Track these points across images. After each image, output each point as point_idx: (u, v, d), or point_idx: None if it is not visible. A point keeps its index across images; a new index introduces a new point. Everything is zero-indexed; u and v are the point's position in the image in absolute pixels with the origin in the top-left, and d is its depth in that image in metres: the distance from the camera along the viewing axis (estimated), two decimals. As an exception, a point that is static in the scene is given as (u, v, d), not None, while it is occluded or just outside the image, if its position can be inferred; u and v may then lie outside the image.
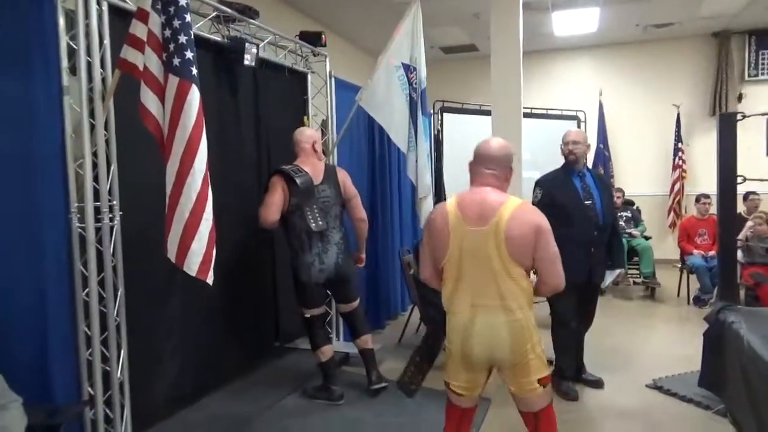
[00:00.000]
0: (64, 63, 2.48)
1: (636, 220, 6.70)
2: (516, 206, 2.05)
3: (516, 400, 2.20)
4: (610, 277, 3.57)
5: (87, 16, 2.46)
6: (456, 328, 2.14)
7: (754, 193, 6.09)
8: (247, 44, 3.41)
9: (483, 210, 2.05)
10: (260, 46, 3.64)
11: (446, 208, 2.15)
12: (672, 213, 8.06)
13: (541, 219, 2.09)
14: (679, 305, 5.96)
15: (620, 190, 6.90)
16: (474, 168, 2.19)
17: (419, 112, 4.11)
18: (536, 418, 2.17)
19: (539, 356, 2.12)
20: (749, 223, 5.48)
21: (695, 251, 5.98)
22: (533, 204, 3.43)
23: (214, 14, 3.40)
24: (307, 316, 3.47)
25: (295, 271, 3.40)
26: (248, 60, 3.42)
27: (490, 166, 2.14)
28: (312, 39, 4.22)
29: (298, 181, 3.23)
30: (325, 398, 3.45)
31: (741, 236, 5.21)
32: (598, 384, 3.65)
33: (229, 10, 3.44)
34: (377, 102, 4.02)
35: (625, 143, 8.42)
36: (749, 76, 7.91)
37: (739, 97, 7.89)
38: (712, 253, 5.85)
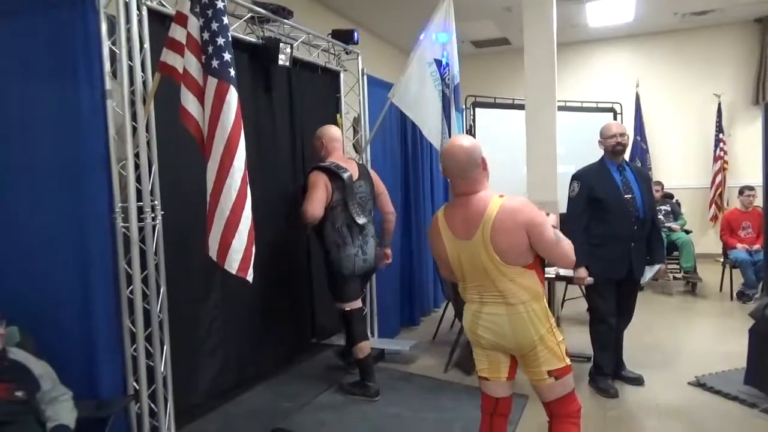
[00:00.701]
0: (107, 67, 2.55)
1: (675, 213, 6.53)
2: (497, 212, 2.03)
3: (535, 391, 2.25)
4: (649, 272, 3.49)
5: (128, 21, 2.53)
6: (467, 316, 2.25)
7: (749, 187, 5.90)
8: (281, 44, 3.45)
9: (466, 223, 2.09)
10: (294, 45, 3.68)
11: (437, 221, 2.22)
12: (713, 206, 7.84)
13: (528, 215, 2.04)
14: (722, 300, 5.80)
15: (659, 183, 6.73)
16: (448, 177, 2.19)
17: (452, 108, 4.09)
18: (548, 409, 2.21)
19: (551, 348, 2.13)
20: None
21: (739, 245, 5.79)
22: (571, 198, 3.40)
23: (249, 15, 3.44)
24: (347, 309, 3.51)
25: (335, 264, 3.45)
26: (283, 60, 3.46)
27: (459, 174, 2.10)
28: (344, 37, 4.24)
29: (344, 176, 3.37)
30: (362, 394, 3.48)
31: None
32: (638, 381, 3.59)
33: (263, 11, 3.49)
34: (410, 98, 4.02)
35: (664, 135, 8.22)
36: (794, 62, 7.62)
37: (784, 85, 7.61)
38: (756, 246, 5.67)
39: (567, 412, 2.18)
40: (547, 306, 2.17)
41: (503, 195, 2.10)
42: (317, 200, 3.30)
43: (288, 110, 3.89)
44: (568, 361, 2.17)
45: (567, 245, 2.14)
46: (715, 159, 7.80)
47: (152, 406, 2.70)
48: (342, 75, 4.42)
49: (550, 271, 3.77)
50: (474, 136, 6.80)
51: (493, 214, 2.02)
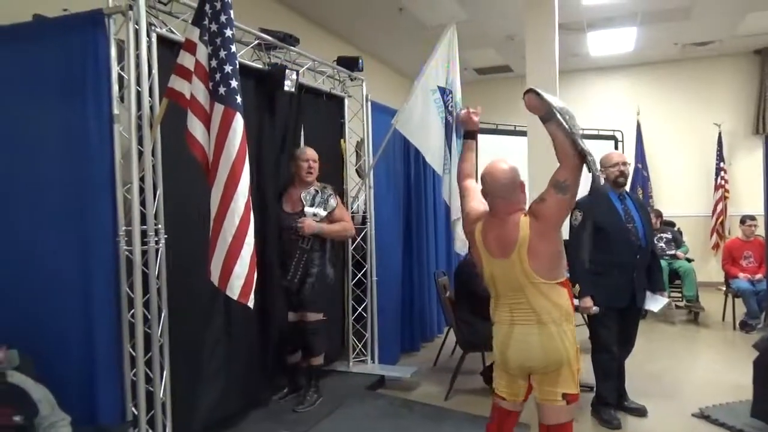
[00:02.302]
0: (115, 91, 2.59)
1: (678, 241, 6.53)
2: (527, 229, 2.11)
3: (539, 411, 2.23)
4: (660, 303, 3.47)
5: (137, 47, 2.57)
6: (497, 337, 2.27)
7: (751, 217, 5.91)
8: (287, 70, 3.49)
9: (503, 243, 2.16)
10: (300, 71, 3.73)
11: (474, 237, 2.28)
12: (715, 234, 7.84)
13: (542, 212, 2.10)
14: (725, 330, 5.76)
15: (658, 211, 6.75)
16: (485, 197, 2.26)
17: (455, 135, 4.12)
18: None
19: (572, 373, 2.16)
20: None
21: (741, 274, 5.78)
22: (573, 227, 3.40)
23: (256, 42, 3.50)
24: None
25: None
26: (288, 86, 3.50)
27: (500, 195, 2.18)
28: (349, 64, 4.30)
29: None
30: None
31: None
32: (641, 412, 3.55)
33: (270, 38, 3.54)
34: (413, 125, 4.05)
35: (665, 163, 8.27)
36: (794, 93, 7.70)
37: (784, 115, 7.69)
38: (759, 276, 5.65)
39: None
40: (575, 329, 2.19)
41: (525, 212, 2.18)
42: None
43: (293, 136, 3.92)
44: (578, 389, 2.20)
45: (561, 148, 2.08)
46: (716, 188, 7.84)
47: (150, 432, 2.67)
48: (346, 101, 4.47)
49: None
50: (476, 162, 6.83)
51: (527, 234, 2.10)
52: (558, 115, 2.02)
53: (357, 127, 4.54)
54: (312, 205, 3.59)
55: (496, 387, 2.34)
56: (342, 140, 4.39)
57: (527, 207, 2.20)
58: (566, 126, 2.01)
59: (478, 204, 2.36)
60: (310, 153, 3.66)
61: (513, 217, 2.16)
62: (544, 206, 2.10)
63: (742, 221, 6.05)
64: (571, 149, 2.03)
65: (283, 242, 3.57)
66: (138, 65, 2.58)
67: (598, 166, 2.09)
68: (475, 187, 2.48)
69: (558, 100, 2.09)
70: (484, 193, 2.25)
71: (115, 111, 2.58)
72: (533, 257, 2.10)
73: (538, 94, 2.05)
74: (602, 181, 3.28)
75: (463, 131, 2.76)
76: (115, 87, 2.59)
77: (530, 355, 2.14)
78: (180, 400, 2.85)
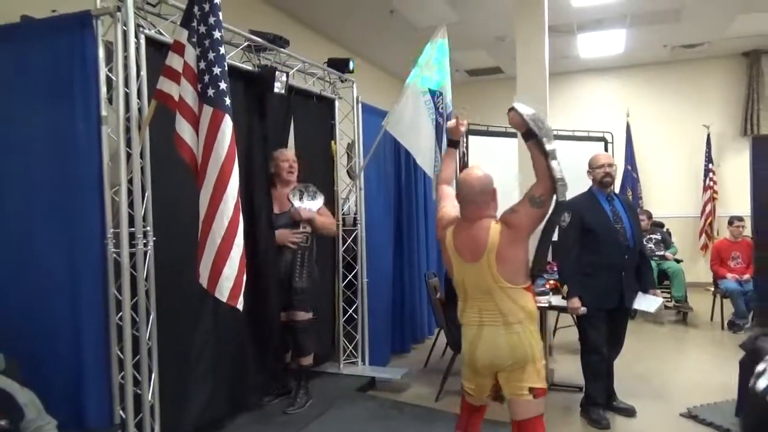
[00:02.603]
0: (103, 93, 2.58)
1: (666, 242, 6.57)
2: (498, 238, 2.21)
3: (509, 408, 2.34)
4: (655, 303, 3.49)
5: (125, 48, 2.55)
6: (466, 338, 2.38)
7: (739, 218, 5.97)
8: (277, 72, 3.48)
9: (474, 247, 2.27)
10: (290, 73, 3.72)
11: (446, 241, 2.38)
12: (704, 235, 7.91)
13: (513, 222, 2.21)
14: (713, 330, 5.81)
15: (647, 212, 6.79)
16: (459, 202, 2.37)
17: (445, 137, 4.13)
18: (517, 428, 2.30)
19: (537, 370, 2.28)
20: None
21: (729, 275, 5.83)
22: (562, 228, 3.42)
23: (245, 44, 3.49)
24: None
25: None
26: (278, 87, 3.49)
27: (471, 200, 2.30)
28: (340, 65, 4.30)
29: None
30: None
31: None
32: (629, 412, 3.57)
33: (260, 40, 3.54)
34: (403, 126, 4.06)
35: (654, 165, 8.32)
36: (781, 95, 7.79)
37: (772, 117, 7.76)
38: (746, 276, 5.70)
39: None
40: (537, 330, 2.33)
41: (496, 219, 2.29)
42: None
43: (283, 137, 3.91)
44: (545, 384, 2.32)
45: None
46: (705, 189, 7.90)
47: (139, 435, 2.66)
48: (337, 102, 4.46)
49: (542, 300, 3.77)
50: (467, 163, 6.85)
51: (496, 240, 2.21)
52: (537, 133, 2.11)
53: (347, 128, 4.53)
54: (301, 200, 3.64)
55: (463, 383, 2.48)
56: (332, 142, 4.38)
57: (498, 215, 2.30)
58: (545, 147, 2.10)
59: (450, 209, 2.46)
60: (289, 153, 3.75)
61: (483, 222, 2.27)
62: (516, 216, 2.21)
63: (730, 222, 6.10)
64: (546, 171, 2.13)
65: (275, 244, 3.58)
66: (126, 67, 2.56)
67: (565, 192, 2.15)
68: (450, 192, 2.57)
69: (527, 107, 2.19)
70: (459, 198, 2.36)
71: (103, 113, 2.58)
72: (501, 263, 2.21)
73: (519, 111, 2.15)
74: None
75: (446, 140, 2.82)
76: (104, 88, 2.58)
77: (498, 354, 2.26)
78: (168, 403, 2.84)
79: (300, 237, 3.62)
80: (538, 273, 2.32)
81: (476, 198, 2.28)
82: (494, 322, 2.27)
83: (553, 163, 2.07)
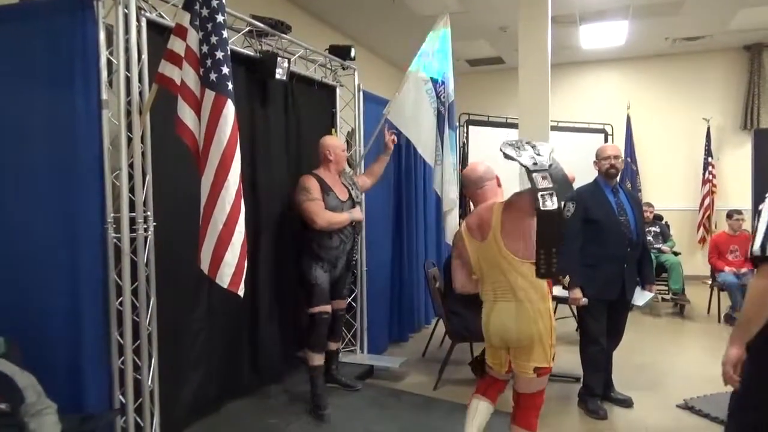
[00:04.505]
0: (104, 77, 2.55)
1: (665, 235, 6.59)
2: (500, 213, 2.38)
3: (514, 379, 2.50)
4: (645, 297, 3.50)
5: (126, 31, 2.53)
6: (484, 313, 2.53)
7: (738, 211, 5.98)
8: (278, 58, 3.46)
9: (481, 227, 2.46)
10: (291, 60, 3.69)
11: (461, 230, 2.60)
12: (702, 228, 7.92)
13: (515, 201, 2.36)
14: (710, 323, 5.83)
15: (650, 204, 6.80)
16: (469, 196, 2.64)
17: (446, 126, 4.12)
18: (518, 398, 2.48)
19: (544, 348, 2.37)
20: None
21: (727, 268, 5.84)
22: (566, 219, 3.42)
23: (247, 29, 3.46)
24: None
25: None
26: (280, 74, 3.47)
27: (479, 185, 2.56)
28: (341, 53, 4.27)
29: None
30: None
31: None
32: (627, 403, 3.59)
33: (262, 25, 3.51)
34: (405, 115, 4.04)
35: (653, 157, 8.32)
36: (782, 89, 7.77)
37: (772, 111, 7.75)
38: (744, 270, 5.71)
39: (532, 404, 2.47)
40: (551, 308, 2.42)
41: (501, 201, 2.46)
42: None
43: (284, 124, 3.89)
44: (552, 364, 2.42)
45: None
46: (704, 182, 7.90)
47: (138, 420, 2.66)
48: (338, 90, 4.44)
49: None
50: (467, 153, 6.84)
51: (500, 217, 2.37)
52: (513, 157, 2.23)
53: (348, 116, 4.51)
54: (351, 191, 3.66)
55: (487, 360, 2.62)
56: (333, 129, 4.36)
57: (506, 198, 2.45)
58: (521, 163, 2.21)
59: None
60: (343, 143, 3.78)
61: (488, 204, 2.47)
62: (519, 197, 2.36)
63: (729, 216, 6.11)
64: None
65: (331, 232, 3.47)
66: (127, 50, 2.54)
67: (564, 193, 2.23)
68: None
69: (506, 144, 2.27)
70: (468, 193, 2.62)
71: (104, 96, 2.55)
72: (507, 237, 2.34)
73: (506, 155, 2.26)
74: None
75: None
76: (104, 72, 2.55)
77: (507, 328, 2.39)
78: (168, 389, 2.85)
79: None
80: (545, 275, 2.23)
81: (479, 183, 2.54)
82: (506, 298, 2.39)
83: (535, 176, 2.17)
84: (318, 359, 3.49)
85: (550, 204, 2.12)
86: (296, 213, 3.51)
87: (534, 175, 2.17)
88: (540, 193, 2.12)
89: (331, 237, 3.47)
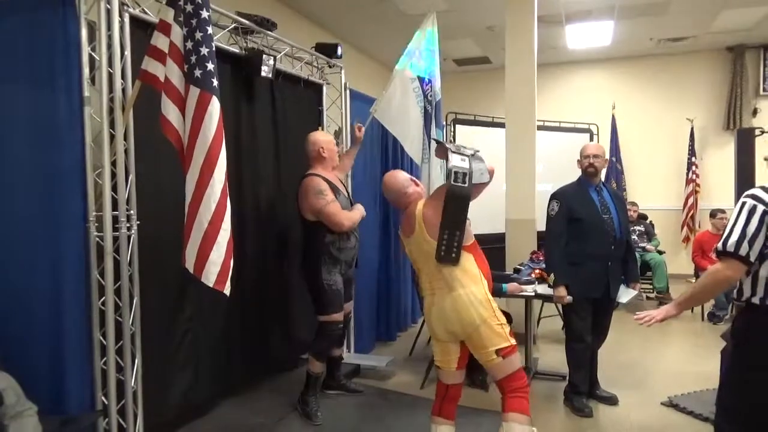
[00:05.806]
0: (86, 74, 2.51)
1: (649, 234, 6.64)
2: (422, 206, 2.56)
3: (488, 372, 2.56)
4: (629, 295, 3.52)
5: (109, 27, 2.49)
6: (426, 307, 2.60)
7: (721, 210, 6.05)
8: (264, 56, 3.43)
9: (408, 222, 2.62)
10: (277, 57, 3.67)
11: (400, 237, 2.75)
12: (686, 227, 8.00)
13: (433, 194, 2.58)
14: (693, 321, 5.89)
15: (634, 203, 6.86)
16: (392, 200, 2.79)
17: (433, 125, 4.11)
18: (500, 386, 2.49)
19: (493, 329, 2.42)
20: None
21: (710, 267, 5.89)
22: (550, 217, 3.44)
23: (232, 26, 3.43)
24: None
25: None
26: (265, 71, 3.44)
27: (397, 197, 2.72)
28: (328, 50, 4.25)
29: None
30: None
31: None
32: (612, 400, 3.61)
33: (247, 22, 3.48)
34: (392, 114, 4.03)
35: (638, 157, 8.39)
36: (764, 90, 7.87)
37: (754, 112, 7.86)
38: (727, 268, 5.76)
39: (516, 387, 2.47)
40: (488, 291, 2.50)
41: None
42: None
43: (270, 122, 3.86)
44: (513, 341, 2.47)
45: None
46: (688, 182, 7.98)
47: (121, 422, 2.62)
48: (324, 88, 4.42)
49: (528, 290, 3.79)
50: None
51: (421, 210, 2.53)
52: (446, 146, 2.45)
53: (335, 114, 4.49)
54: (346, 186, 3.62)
55: (434, 358, 2.65)
56: (320, 128, 4.34)
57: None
58: (445, 145, 2.50)
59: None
60: (332, 137, 3.68)
61: (412, 205, 2.63)
62: (440, 187, 2.51)
63: (713, 215, 6.17)
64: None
65: (349, 233, 3.41)
66: (110, 46, 2.51)
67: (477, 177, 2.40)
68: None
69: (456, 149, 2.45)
70: (392, 199, 2.78)
71: (86, 93, 2.51)
72: (429, 226, 2.47)
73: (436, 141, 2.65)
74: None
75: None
76: (86, 69, 2.51)
77: (447, 318, 2.45)
78: (151, 389, 2.81)
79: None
80: (444, 259, 2.40)
81: (399, 195, 2.70)
82: (441, 289, 2.47)
83: (452, 155, 2.35)
84: (321, 366, 3.46)
85: (461, 182, 2.26)
86: (308, 218, 3.34)
87: (452, 154, 2.29)
88: (454, 170, 2.25)
89: (348, 238, 3.41)
